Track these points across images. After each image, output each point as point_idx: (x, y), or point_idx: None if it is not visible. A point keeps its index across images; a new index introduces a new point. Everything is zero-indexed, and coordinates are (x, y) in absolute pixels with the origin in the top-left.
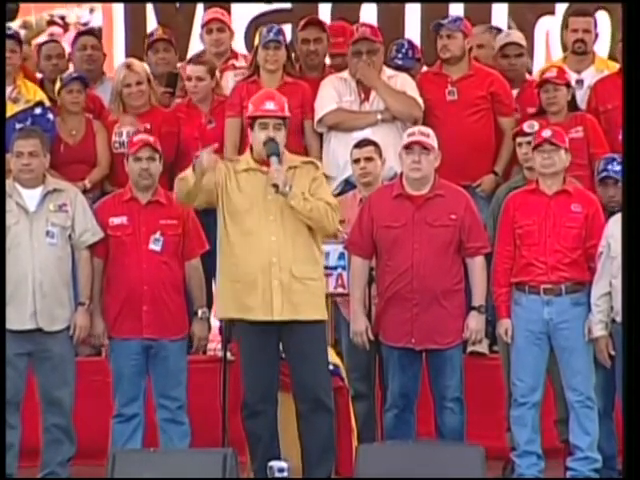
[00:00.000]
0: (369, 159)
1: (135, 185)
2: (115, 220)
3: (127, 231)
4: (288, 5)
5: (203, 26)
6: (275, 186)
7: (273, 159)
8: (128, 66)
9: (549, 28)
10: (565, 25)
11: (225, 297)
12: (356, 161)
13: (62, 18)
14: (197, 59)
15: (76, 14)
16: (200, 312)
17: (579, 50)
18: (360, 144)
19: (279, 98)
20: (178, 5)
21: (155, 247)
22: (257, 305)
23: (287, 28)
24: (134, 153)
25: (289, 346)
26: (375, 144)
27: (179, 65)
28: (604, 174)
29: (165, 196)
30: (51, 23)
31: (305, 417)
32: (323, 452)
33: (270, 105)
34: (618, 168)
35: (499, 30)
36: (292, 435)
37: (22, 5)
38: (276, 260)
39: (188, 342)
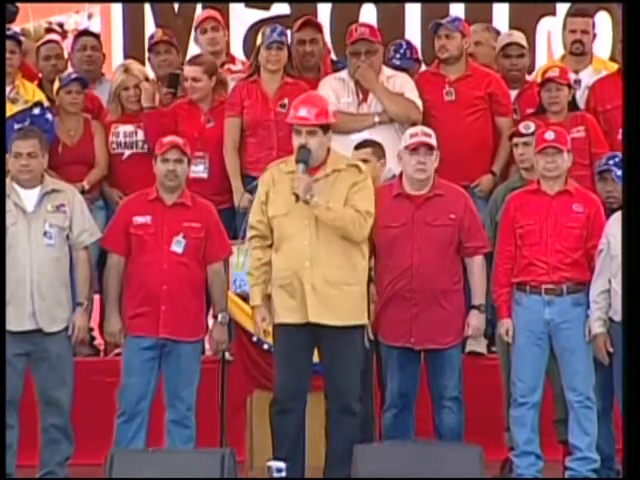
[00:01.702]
0: (365, 161)
1: (161, 186)
2: (139, 219)
3: (150, 230)
4: (287, 11)
5: (197, 27)
6: (295, 195)
7: (299, 166)
8: (126, 69)
9: (550, 29)
10: (564, 25)
11: (274, 302)
12: None
13: (60, 25)
14: (193, 60)
15: (74, 21)
16: (220, 316)
17: (577, 51)
18: (358, 145)
19: (316, 102)
20: (177, 10)
21: (177, 248)
22: (295, 308)
23: None
24: (162, 154)
25: (324, 349)
26: (375, 146)
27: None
28: (605, 167)
29: (190, 198)
30: (49, 31)
31: (332, 419)
32: (345, 454)
33: (303, 112)
34: (619, 170)
35: (498, 32)
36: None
37: (20, 13)
38: (308, 264)
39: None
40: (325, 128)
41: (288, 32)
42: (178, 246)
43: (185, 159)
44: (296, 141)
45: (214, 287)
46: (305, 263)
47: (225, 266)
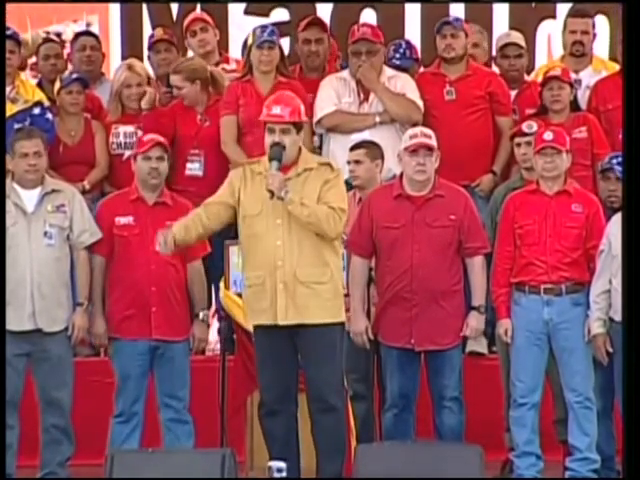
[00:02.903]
0: (357, 162)
1: (142, 184)
2: (122, 220)
3: (134, 231)
4: (286, 17)
5: (186, 31)
6: (270, 192)
7: (272, 164)
8: (129, 67)
9: (550, 32)
10: (564, 26)
11: (245, 303)
12: (348, 163)
13: (58, 35)
14: (174, 68)
15: (72, 30)
16: (201, 314)
17: (577, 52)
18: (353, 147)
19: (289, 101)
20: (175, 19)
21: None
22: (265, 309)
23: (285, 41)
24: (144, 152)
25: (300, 349)
26: (369, 147)
27: None
28: (607, 166)
29: (171, 197)
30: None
31: (314, 418)
32: (332, 452)
33: (277, 110)
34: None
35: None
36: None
37: (18, 22)
38: (281, 264)
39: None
40: (298, 127)
41: (285, 43)
42: None
43: (166, 157)
44: (269, 139)
45: (195, 285)
46: (278, 262)
47: (225, 266)
